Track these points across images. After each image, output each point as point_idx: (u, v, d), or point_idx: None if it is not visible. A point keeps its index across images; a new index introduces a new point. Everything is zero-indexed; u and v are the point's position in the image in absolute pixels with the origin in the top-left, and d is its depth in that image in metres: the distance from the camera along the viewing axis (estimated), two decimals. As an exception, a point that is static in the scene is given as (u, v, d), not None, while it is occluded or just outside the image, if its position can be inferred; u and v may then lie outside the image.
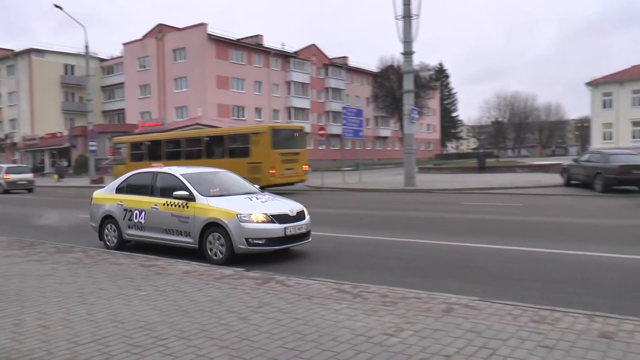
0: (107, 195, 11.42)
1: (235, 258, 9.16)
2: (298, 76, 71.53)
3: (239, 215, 9.10)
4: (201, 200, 9.61)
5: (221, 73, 61.37)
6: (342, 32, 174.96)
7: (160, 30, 65.07)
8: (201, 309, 6.03)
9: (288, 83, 70.78)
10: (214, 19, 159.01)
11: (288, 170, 25.66)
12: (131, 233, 10.74)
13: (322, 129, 35.25)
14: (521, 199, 20.96)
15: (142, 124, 58.38)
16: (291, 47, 72.87)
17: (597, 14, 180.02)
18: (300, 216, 9.72)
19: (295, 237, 9.53)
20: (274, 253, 9.69)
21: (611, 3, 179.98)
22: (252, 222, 9.09)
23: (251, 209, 9.32)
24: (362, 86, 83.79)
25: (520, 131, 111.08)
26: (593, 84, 67.69)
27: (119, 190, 11.19)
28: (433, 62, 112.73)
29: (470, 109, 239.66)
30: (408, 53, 27.82)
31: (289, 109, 70.73)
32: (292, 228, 9.38)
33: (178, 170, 10.55)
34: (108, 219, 11.14)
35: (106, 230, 11.20)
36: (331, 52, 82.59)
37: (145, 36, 67.01)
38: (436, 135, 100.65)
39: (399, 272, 8.56)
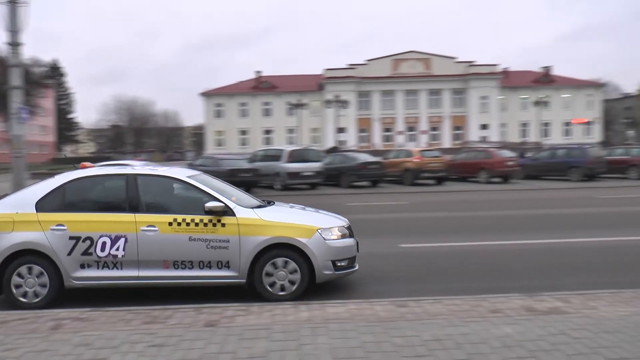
0: (13, 217, 6.66)
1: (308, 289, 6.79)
2: None
3: (320, 231, 6.80)
4: (246, 214, 6.75)
5: None
6: None
7: None
8: None
9: None
10: None
11: None
12: (89, 275, 6.63)
13: None
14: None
15: None
16: None
17: (213, 32, 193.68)
18: None
19: None
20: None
21: (221, 25, 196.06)
22: (335, 238, 6.90)
23: (324, 221, 7.11)
24: (-40, 80, 72.82)
25: (140, 136, 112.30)
26: (207, 95, 73.06)
27: (44, 206, 6.74)
28: (52, 58, 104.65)
29: (90, 111, 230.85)
30: (15, 44, 25.23)
31: None
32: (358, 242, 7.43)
33: (181, 172, 7.28)
34: (23, 256, 6.59)
35: (17, 277, 6.53)
36: None
37: None
38: (51, 137, 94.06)
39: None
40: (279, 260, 6.66)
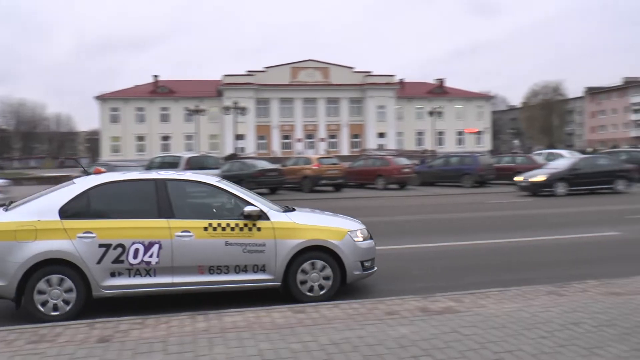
0: (35, 224, 6.20)
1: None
2: None
3: (350, 233, 7.09)
4: (279, 218, 6.88)
5: None
6: None
7: None
8: None
9: None
10: None
11: None
12: (120, 284, 6.34)
13: None
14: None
15: None
16: None
17: (108, 33, 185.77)
18: None
19: None
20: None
21: (117, 26, 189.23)
22: (361, 240, 7.19)
23: (349, 224, 7.42)
24: None
25: (29, 141, 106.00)
26: (102, 99, 70.26)
27: (68, 213, 6.35)
28: None
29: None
30: None
31: None
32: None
33: (210, 178, 7.29)
34: (47, 266, 6.12)
35: (38, 293, 6.08)
36: None
37: None
38: None
39: None
40: (313, 263, 6.84)
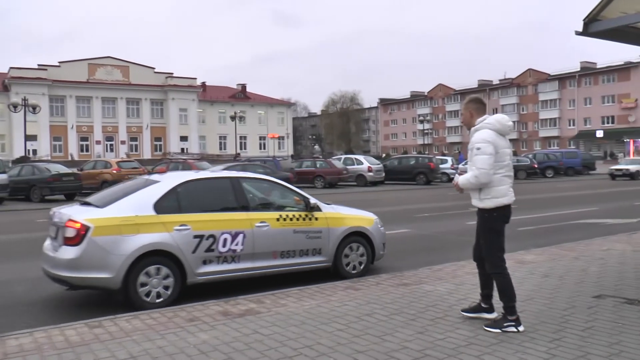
0: (136, 219, 6.58)
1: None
2: None
3: (376, 220, 8.64)
4: (328, 209, 8.10)
5: None
6: None
7: None
8: None
9: None
10: None
11: None
12: (211, 270, 6.96)
13: None
14: None
15: None
16: None
17: None
18: None
19: None
20: None
21: None
22: (380, 226, 8.69)
23: (370, 213, 8.89)
24: None
25: None
26: None
27: (162, 208, 6.79)
28: None
29: None
30: None
31: None
32: None
33: (266, 176, 8.74)
34: (149, 257, 6.50)
35: (142, 281, 6.45)
36: None
37: None
38: None
39: None
40: (354, 245, 8.13)
